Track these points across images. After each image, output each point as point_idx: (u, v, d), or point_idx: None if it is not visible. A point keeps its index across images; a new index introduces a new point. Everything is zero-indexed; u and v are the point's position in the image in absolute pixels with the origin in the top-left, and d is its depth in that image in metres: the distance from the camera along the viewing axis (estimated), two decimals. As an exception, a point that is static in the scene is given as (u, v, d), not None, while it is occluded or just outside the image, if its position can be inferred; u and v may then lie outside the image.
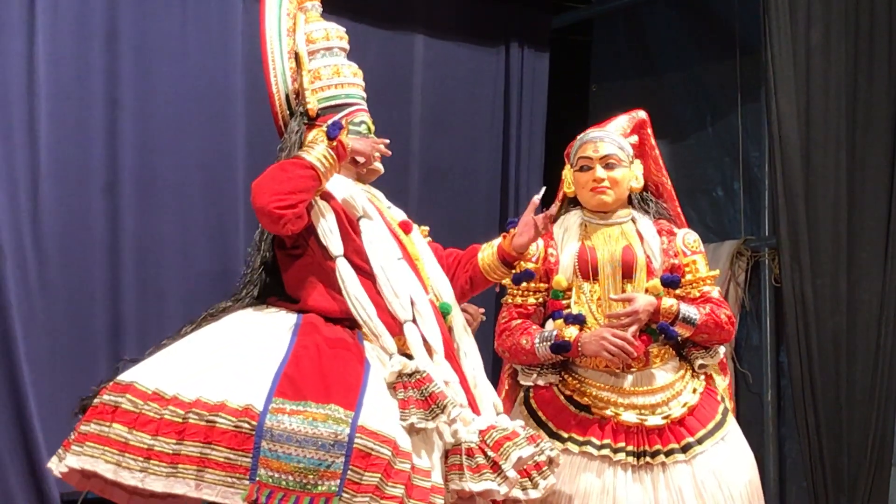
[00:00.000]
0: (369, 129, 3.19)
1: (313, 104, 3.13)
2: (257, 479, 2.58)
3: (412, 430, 2.71)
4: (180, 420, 2.64)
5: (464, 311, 3.32)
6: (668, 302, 3.29)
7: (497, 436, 2.83)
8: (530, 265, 3.39)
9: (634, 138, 3.51)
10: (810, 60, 4.73)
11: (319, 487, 2.57)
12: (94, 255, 4.26)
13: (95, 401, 2.73)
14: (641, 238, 3.39)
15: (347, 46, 3.25)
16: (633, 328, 3.24)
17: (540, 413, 3.33)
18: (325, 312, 2.94)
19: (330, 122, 3.06)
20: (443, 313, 3.07)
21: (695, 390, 3.34)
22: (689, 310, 3.30)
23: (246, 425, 2.62)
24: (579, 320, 3.31)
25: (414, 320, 2.94)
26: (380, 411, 2.69)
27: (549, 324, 3.38)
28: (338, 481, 2.57)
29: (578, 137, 3.48)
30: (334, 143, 2.97)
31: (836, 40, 4.73)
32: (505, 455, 2.79)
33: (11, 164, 4.08)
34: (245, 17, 4.59)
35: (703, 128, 5.75)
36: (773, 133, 4.76)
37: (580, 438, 3.24)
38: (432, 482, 2.69)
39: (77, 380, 3.76)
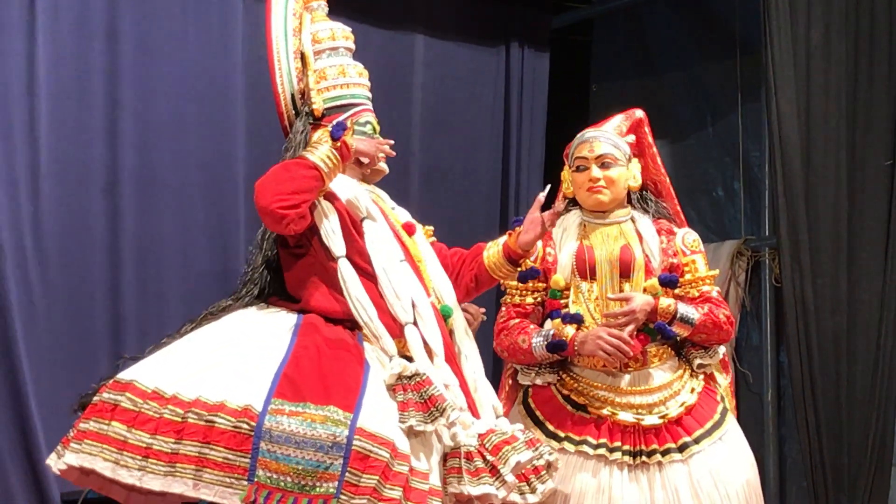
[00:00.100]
0: (374, 129, 3.19)
1: (319, 104, 3.13)
2: (256, 479, 2.59)
3: (411, 433, 2.71)
4: (179, 419, 2.65)
5: (464, 310, 3.32)
6: (666, 301, 3.29)
7: (496, 440, 2.83)
8: (528, 263, 3.39)
9: (632, 137, 3.50)
10: (810, 60, 4.73)
11: (317, 489, 2.57)
12: (94, 255, 4.27)
13: (95, 398, 2.74)
14: (640, 237, 3.39)
15: (353, 46, 3.25)
16: (630, 327, 3.24)
17: (537, 412, 3.33)
18: (326, 313, 2.94)
19: (335, 122, 3.06)
20: (444, 316, 3.07)
21: (693, 390, 3.33)
22: (687, 309, 3.30)
23: (245, 426, 2.62)
24: (577, 320, 3.31)
25: (415, 322, 2.94)
26: (379, 413, 2.69)
27: (548, 323, 3.38)
28: (336, 483, 2.57)
29: (575, 138, 3.48)
30: (338, 144, 2.97)
31: (836, 40, 4.73)
32: (504, 459, 2.80)
33: (11, 164, 4.08)
34: (245, 17, 4.59)
35: (704, 128, 5.75)
36: (773, 133, 4.77)
37: (576, 438, 3.24)
38: (430, 485, 2.69)
39: (77, 379, 3.76)
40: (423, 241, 3.23)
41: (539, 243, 3.37)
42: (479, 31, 5.48)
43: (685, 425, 3.26)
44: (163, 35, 4.45)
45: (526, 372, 3.39)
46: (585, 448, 3.22)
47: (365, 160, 3.13)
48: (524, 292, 3.42)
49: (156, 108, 4.42)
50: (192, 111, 4.49)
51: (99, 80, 4.31)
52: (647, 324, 3.28)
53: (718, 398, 3.38)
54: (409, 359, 2.88)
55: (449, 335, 3.07)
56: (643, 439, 3.23)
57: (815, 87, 4.73)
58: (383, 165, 3.22)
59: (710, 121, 5.73)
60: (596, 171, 3.38)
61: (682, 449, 3.23)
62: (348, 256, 2.96)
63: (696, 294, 3.38)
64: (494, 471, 2.78)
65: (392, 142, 3.19)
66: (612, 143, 3.41)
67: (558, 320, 3.33)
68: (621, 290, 3.31)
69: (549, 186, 3.24)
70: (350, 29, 3.27)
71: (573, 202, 3.51)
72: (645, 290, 3.31)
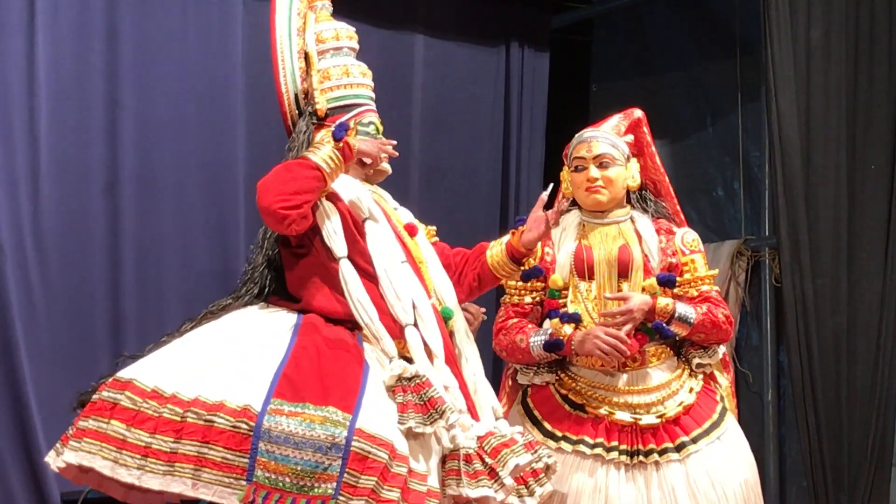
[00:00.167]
0: (377, 129, 3.19)
1: (322, 104, 3.13)
2: (254, 480, 2.58)
3: (410, 434, 2.71)
4: (178, 419, 2.64)
5: (464, 310, 3.32)
6: (664, 301, 3.29)
7: (495, 442, 2.83)
8: (531, 262, 3.39)
9: (630, 137, 3.50)
10: (810, 60, 4.74)
11: (316, 490, 2.57)
12: (94, 255, 4.27)
13: (94, 397, 2.74)
14: (639, 237, 3.39)
15: (357, 46, 3.26)
16: (628, 327, 3.24)
17: (536, 412, 3.33)
18: (327, 313, 2.93)
19: (337, 122, 3.05)
20: (445, 318, 3.07)
21: (692, 390, 3.33)
22: (685, 309, 3.30)
23: (244, 426, 2.62)
24: (575, 319, 3.31)
25: (415, 324, 2.94)
26: (378, 414, 2.69)
27: (547, 323, 3.39)
28: (334, 484, 2.56)
29: (574, 138, 3.48)
30: (340, 145, 2.97)
31: (836, 40, 4.73)
32: (502, 462, 2.79)
33: (11, 164, 4.08)
34: (245, 17, 4.59)
35: (703, 128, 5.75)
36: (773, 133, 4.77)
37: (574, 437, 3.24)
38: (428, 486, 2.68)
39: (77, 379, 3.73)
40: (424, 242, 3.23)
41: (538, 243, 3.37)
42: (479, 30, 5.48)
43: (683, 425, 3.26)
44: (163, 35, 4.45)
45: (525, 371, 3.39)
46: (582, 447, 3.22)
47: (368, 161, 3.13)
48: (523, 292, 3.42)
49: (156, 108, 4.42)
50: (192, 111, 4.50)
51: (99, 79, 4.31)
52: (645, 323, 3.28)
53: (718, 398, 3.38)
54: (409, 360, 2.88)
55: (449, 337, 3.06)
56: (640, 439, 3.24)
57: (815, 87, 4.73)
58: (386, 166, 3.21)
59: (710, 121, 5.73)
60: (594, 171, 3.38)
61: (679, 449, 3.23)
62: (350, 257, 2.96)
63: (696, 293, 3.38)
64: (493, 473, 2.77)
65: (395, 142, 3.19)
66: (610, 142, 3.41)
67: (556, 320, 3.33)
68: (619, 290, 3.32)
69: (552, 185, 3.24)
70: (354, 29, 3.27)
71: (573, 202, 3.51)
72: (643, 290, 3.31)
